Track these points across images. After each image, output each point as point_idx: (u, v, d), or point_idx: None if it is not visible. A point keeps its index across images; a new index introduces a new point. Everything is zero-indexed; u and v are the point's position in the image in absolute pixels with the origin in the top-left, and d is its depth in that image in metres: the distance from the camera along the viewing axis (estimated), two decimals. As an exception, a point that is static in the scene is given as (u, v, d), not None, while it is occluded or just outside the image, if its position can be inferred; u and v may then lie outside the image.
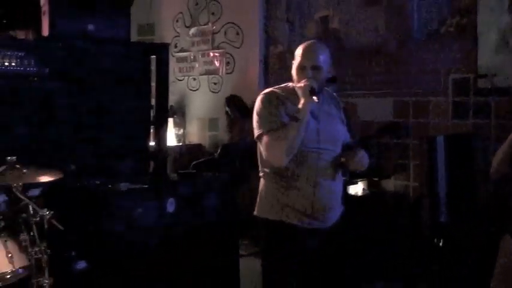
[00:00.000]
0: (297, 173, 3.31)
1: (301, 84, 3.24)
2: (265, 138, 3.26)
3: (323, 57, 3.34)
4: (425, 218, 5.33)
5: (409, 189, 5.96)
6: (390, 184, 6.09)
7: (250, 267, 5.35)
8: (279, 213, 3.36)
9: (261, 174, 3.50)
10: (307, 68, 3.30)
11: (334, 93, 3.65)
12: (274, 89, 3.43)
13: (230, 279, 5.23)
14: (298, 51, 3.36)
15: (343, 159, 3.41)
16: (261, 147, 3.33)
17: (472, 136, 5.35)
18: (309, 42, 3.46)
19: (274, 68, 7.01)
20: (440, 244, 4.34)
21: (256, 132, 3.32)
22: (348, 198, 5.61)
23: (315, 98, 3.17)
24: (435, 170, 4.68)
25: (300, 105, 3.20)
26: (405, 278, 5.28)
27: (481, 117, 5.43)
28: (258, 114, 3.33)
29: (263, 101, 3.35)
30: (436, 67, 5.72)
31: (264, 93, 3.41)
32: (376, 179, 6.08)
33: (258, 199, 3.53)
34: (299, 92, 3.25)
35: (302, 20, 6.72)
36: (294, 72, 3.37)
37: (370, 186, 6.05)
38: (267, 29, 7.07)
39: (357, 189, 5.92)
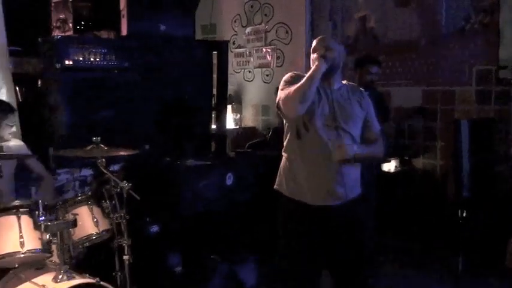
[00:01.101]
0: (310, 152, 3.08)
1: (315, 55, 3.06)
2: (282, 94, 3.03)
3: (334, 44, 3.13)
4: (450, 193, 5.24)
5: (436, 167, 5.86)
6: (419, 163, 6.00)
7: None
8: (291, 190, 3.19)
9: (283, 153, 3.28)
10: (319, 49, 3.08)
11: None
12: (303, 74, 3.15)
13: (275, 238, 5.26)
14: (313, 44, 3.18)
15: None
16: (280, 104, 3.07)
17: (493, 120, 5.24)
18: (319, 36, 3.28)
19: (318, 62, 6.97)
20: (464, 215, 4.25)
21: (277, 99, 3.11)
22: (382, 175, 5.58)
23: (325, 57, 2.98)
24: (459, 151, 4.57)
25: (314, 66, 3.02)
26: (431, 246, 5.22)
27: (501, 104, 5.33)
28: (281, 86, 3.12)
29: (289, 76, 3.15)
30: (461, 60, 5.60)
31: (293, 73, 3.20)
32: (407, 157, 6.02)
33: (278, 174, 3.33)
34: (312, 62, 3.07)
35: (343, 19, 6.64)
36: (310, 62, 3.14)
37: (402, 164, 5.98)
38: (313, 27, 7.01)
39: (389, 166, 5.87)
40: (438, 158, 5.84)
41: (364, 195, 3.27)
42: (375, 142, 3.24)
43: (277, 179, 3.32)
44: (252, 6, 7.56)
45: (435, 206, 5.45)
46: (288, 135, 3.21)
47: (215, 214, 4.81)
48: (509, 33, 5.22)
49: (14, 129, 4.03)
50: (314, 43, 3.18)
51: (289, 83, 3.07)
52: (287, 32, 7.19)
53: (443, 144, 5.75)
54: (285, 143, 3.24)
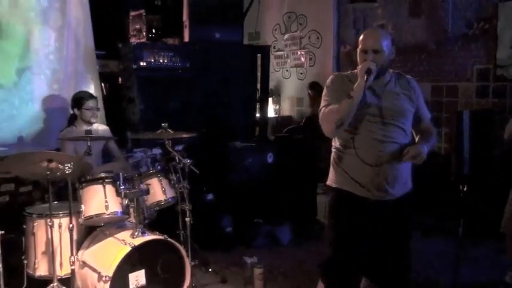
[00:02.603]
0: (360, 148, 2.61)
1: (361, 66, 2.58)
2: (322, 111, 2.65)
3: (384, 42, 2.60)
4: (453, 170, 5.11)
5: (441, 149, 5.70)
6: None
7: (322, 201, 5.34)
8: (341, 183, 2.71)
9: (333, 148, 2.83)
10: (368, 51, 2.58)
11: (409, 76, 2.82)
12: (342, 73, 2.82)
13: (310, 208, 5.24)
14: (361, 37, 2.66)
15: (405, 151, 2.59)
16: (320, 119, 2.68)
17: (491, 112, 5.07)
18: (371, 28, 2.76)
19: (343, 62, 6.86)
20: (464, 189, 4.12)
21: (320, 107, 2.71)
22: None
23: (367, 77, 2.48)
24: (461, 135, 4.42)
25: (355, 85, 2.54)
26: (436, 215, 5.10)
27: (498, 97, 5.15)
28: (324, 92, 2.72)
29: (330, 81, 2.74)
30: (464, 60, 5.41)
31: (333, 75, 2.80)
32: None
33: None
34: (358, 73, 2.58)
35: (365, 27, 6.49)
36: (358, 56, 2.67)
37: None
38: (339, 34, 6.90)
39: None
40: (443, 141, 5.68)
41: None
42: (431, 133, 2.81)
43: (329, 174, 2.81)
44: (289, 17, 7.48)
45: (440, 182, 5.32)
46: None
47: (258, 186, 4.81)
48: (505, 38, 5.04)
49: (97, 115, 4.03)
50: (362, 36, 2.65)
51: (332, 90, 2.68)
52: (318, 38, 7.08)
53: (447, 130, 5.60)
54: (335, 137, 2.77)
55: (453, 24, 5.52)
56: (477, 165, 4.53)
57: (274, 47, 7.66)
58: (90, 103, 3.94)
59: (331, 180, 2.80)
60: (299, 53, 7.37)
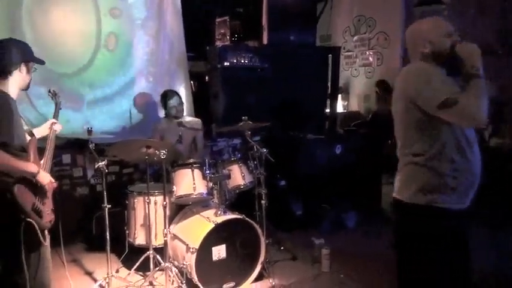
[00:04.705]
0: (468, 154, 2.06)
1: (465, 45, 2.11)
2: (458, 104, 1.93)
3: None
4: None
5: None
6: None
7: (387, 190, 5.20)
8: (434, 197, 2.06)
9: (416, 158, 2.08)
10: (453, 33, 2.13)
11: None
12: (423, 67, 2.10)
13: (375, 197, 5.12)
14: (429, 25, 2.17)
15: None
16: (451, 114, 1.97)
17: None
18: (433, 16, 2.24)
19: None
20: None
21: (437, 100, 1.96)
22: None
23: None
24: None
25: (472, 63, 2.04)
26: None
27: None
28: (429, 85, 1.99)
29: (422, 74, 2.04)
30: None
31: (417, 68, 2.11)
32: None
33: (404, 184, 2.15)
34: (465, 52, 2.08)
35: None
36: (436, 43, 2.11)
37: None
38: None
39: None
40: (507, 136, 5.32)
41: None
42: None
43: (407, 191, 2.13)
44: (359, 20, 7.28)
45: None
46: (428, 139, 2.07)
47: (327, 174, 4.77)
48: None
49: (181, 109, 4.14)
50: (433, 24, 2.18)
51: (441, 82, 2.01)
52: (386, 39, 6.84)
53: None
54: (421, 148, 2.08)
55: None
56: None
57: (344, 48, 7.49)
58: (172, 101, 4.09)
59: (416, 197, 2.10)
60: (367, 53, 7.16)
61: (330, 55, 5.84)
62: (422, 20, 2.24)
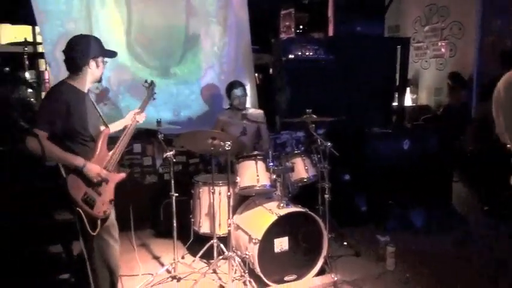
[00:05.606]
0: None
1: None
2: None
3: None
4: None
5: None
6: None
7: (458, 187, 4.97)
8: None
9: None
10: None
11: None
12: None
13: (445, 195, 4.88)
14: None
15: None
16: None
17: None
18: None
19: (487, 53, 6.15)
20: None
21: None
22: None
23: None
24: None
25: None
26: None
27: None
28: None
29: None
30: None
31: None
32: None
33: None
34: None
35: (511, 16, 5.73)
36: None
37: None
38: (483, 24, 6.19)
39: None
40: None
41: None
42: None
43: None
44: (430, 9, 6.94)
45: None
46: None
47: (393, 170, 4.60)
48: None
49: (244, 101, 4.17)
50: None
51: None
52: (460, 29, 6.46)
53: None
54: None
55: None
56: None
57: (413, 39, 7.19)
58: (237, 91, 4.12)
59: None
60: (439, 44, 6.81)
61: (399, 46, 5.60)
62: None
